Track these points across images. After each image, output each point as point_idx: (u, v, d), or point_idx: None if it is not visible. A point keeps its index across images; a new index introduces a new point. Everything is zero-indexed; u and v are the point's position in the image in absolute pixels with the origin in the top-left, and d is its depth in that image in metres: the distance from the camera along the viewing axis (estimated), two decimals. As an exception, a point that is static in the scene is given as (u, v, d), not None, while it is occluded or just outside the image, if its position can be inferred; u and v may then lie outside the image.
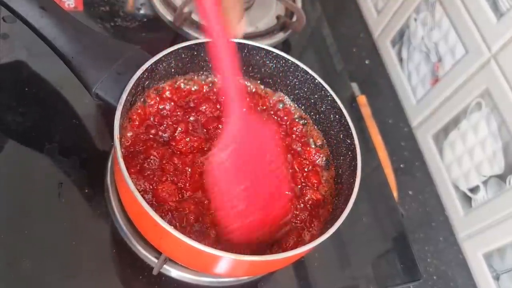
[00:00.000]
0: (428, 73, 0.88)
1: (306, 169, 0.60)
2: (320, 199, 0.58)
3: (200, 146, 0.57)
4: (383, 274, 0.68)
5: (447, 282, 0.79)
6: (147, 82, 0.57)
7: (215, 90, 0.64)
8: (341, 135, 0.60)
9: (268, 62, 0.63)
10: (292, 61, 0.61)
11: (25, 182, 0.60)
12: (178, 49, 0.57)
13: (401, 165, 0.89)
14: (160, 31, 0.79)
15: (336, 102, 0.60)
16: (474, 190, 0.79)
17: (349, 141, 0.58)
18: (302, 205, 0.57)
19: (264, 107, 0.64)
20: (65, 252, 0.57)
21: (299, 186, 0.59)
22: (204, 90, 0.63)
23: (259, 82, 0.66)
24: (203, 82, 0.64)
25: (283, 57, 0.62)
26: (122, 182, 0.49)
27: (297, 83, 0.63)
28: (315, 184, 0.59)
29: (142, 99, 0.58)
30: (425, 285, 0.77)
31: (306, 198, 0.58)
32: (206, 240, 0.51)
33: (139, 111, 0.57)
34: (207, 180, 0.51)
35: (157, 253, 0.59)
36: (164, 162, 0.54)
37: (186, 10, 0.77)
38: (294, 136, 0.63)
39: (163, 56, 0.56)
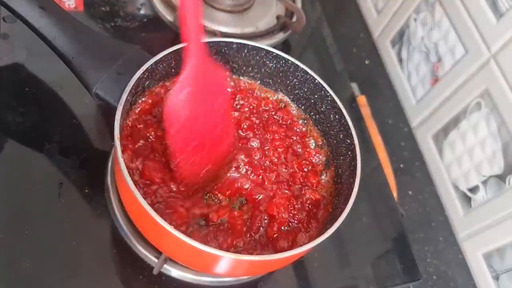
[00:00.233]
0: (427, 73, 0.88)
1: (305, 169, 0.60)
2: (319, 200, 0.58)
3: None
4: (382, 274, 0.68)
5: (447, 282, 0.79)
6: (147, 82, 0.57)
7: None
8: (341, 135, 0.60)
9: (268, 62, 0.63)
10: (292, 61, 0.62)
11: (25, 182, 0.60)
12: (178, 49, 0.57)
13: (401, 165, 0.89)
14: (160, 31, 0.79)
15: (336, 102, 0.60)
16: (474, 190, 0.79)
17: (349, 141, 0.58)
18: (300, 205, 0.57)
19: (267, 108, 0.64)
20: (65, 252, 0.57)
21: (299, 186, 0.59)
22: None
23: (259, 82, 0.66)
24: None
25: (283, 57, 0.62)
26: (122, 182, 0.49)
27: (297, 83, 0.63)
28: (314, 185, 0.59)
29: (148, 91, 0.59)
30: (425, 285, 0.77)
31: (305, 198, 0.58)
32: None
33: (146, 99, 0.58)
34: (164, 114, 0.52)
35: (157, 252, 0.59)
36: (158, 142, 0.55)
37: (186, 10, 0.77)
38: (294, 137, 0.63)
39: (163, 56, 0.56)
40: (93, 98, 0.55)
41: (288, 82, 0.64)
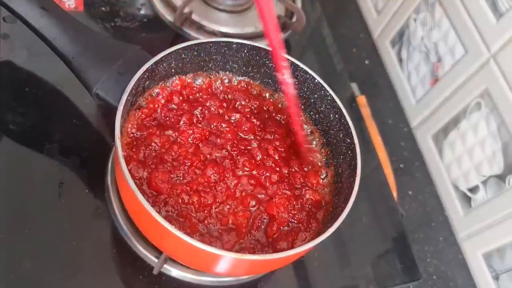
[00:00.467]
0: (427, 73, 0.88)
1: (305, 169, 0.60)
2: (319, 200, 0.58)
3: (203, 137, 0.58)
4: (382, 274, 0.68)
5: (446, 282, 0.79)
6: (147, 82, 0.57)
7: (221, 88, 0.64)
8: (341, 134, 0.60)
9: (267, 62, 0.63)
10: (291, 61, 0.62)
11: (25, 182, 0.60)
12: (178, 49, 0.57)
13: (401, 165, 0.89)
14: (160, 31, 0.79)
15: (335, 102, 0.60)
16: (474, 190, 0.79)
17: (348, 140, 0.58)
18: (299, 205, 0.57)
19: (268, 108, 0.65)
20: (65, 252, 0.57)
21: (299, 186, 0.59)
22: (213, 87, 0.64)
23: (258, 82, 0.66)
24: (212, 77, 0.64)
25: (283, 57, 0.62)
26: (123, 182, 0.49)
27: (296, 82, 0.63)
28: (314, 185, 0.59)
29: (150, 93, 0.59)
30: (424, 285, 0.77)
31: (305, 198, 0.58)
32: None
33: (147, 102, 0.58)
34: None
35: (158, 252, 0.59)
36: (163, 150, 0.55)
37: (186, 10, 0.77)
38: (293, 138, 0.63)
39: (164, 56, 0.56)
40: (94, 99, 0.55)
41: (288, 82, 0.64)
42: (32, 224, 0.57)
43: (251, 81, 0.66)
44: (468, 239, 0.81)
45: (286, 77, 0.54)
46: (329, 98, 0.61)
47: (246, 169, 0.58)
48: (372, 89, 0.95)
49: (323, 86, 0.61)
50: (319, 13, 0.92)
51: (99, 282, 0.57)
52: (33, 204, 0.59)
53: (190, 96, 0.62)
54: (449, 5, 0.81)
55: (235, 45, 0.61)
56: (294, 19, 0.84)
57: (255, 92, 0.66)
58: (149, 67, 0.55)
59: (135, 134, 0.56)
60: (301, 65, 0.61)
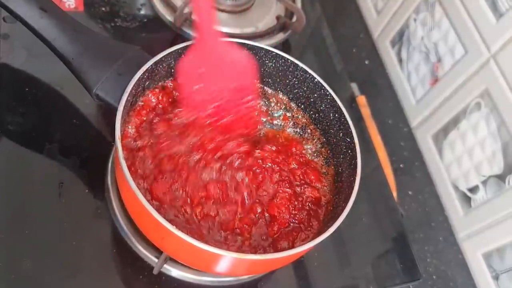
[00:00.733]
0: (427, 73, 0.88)
1: (304, 167, 0.61)
2: (319, 198, 0.58)
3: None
4: (382, 274, 0.68)
5: (446, 282, 0.79)
6: (147, 83, 0.57)
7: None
8: (341, 134, 0.60)
9: (267, 61, 0.63)
10: (291, 61, 0.62)
11: (25, 182, 0.60)
12: (178, 49, 0.57)
13: (401, 165, 0.89)
14: (160, 31, 0.79)
15: (335, 101, 0.60)
16: (474, 190, 0.79)
17: (348, 140, 0.58)
18: (300, 204, 0.57)
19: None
20: (65, 252, 0.57)
21: (298, 183, 0.59)
22: None
23: (258, 81, 0.66)
24: None
25: (282, 57, 0.62)
26: (123, 182, 0.49)
27: (296, 82, 0.63)
28: (313, 181, 0.59)
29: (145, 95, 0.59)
30: (424, 285, 0.77)
31: (305, 196, 0.58)
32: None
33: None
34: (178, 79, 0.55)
35: (158, 252, 0.59)
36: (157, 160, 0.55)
37: (186, 10, 0.77)
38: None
39: (163, 56, 0.56)
40: (93, 99, 0.55)
41: (287, 81, 0.64)
42: (32, 224, 0.57)
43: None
44: (468, 239, 0.81)
45: None
46: (329, 97, 0.61)
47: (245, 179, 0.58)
48: (372, 89, 0.95)
49: (323, 86, 0.61)
50: (319, 13, 0.92)
51: (99, 282, 0.57)
52: (33, 204, 0.59)
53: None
54: (449, 5, 0.81)
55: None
56: (294, 19, 0.84)
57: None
58: (149, 67, 0.55)
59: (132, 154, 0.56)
60: (301, 65, 0.61)
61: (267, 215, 0.55)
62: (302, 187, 0.59)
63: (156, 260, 0.59)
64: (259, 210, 0.56)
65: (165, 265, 0.58)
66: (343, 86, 0.85)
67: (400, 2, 0.93)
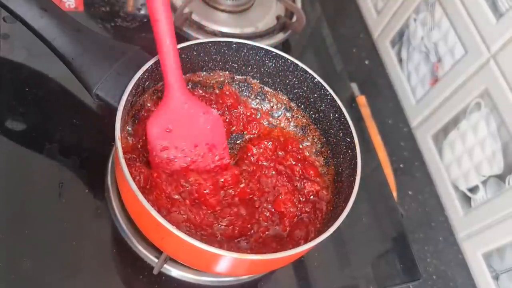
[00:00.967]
0: (427, 73, 0.88)
1: (300, 164, 0.61)
2: (319, 190, 0.59)
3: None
4: (382, 274, 0.68)
5: (446, 282, 0.79)
6: (147, 83, 0.57)
7: (217, 92, 0.64)
8: (341, 134, 0.60)
9: (267, 61, 0.63)
10: (291, 61, 0.62)
11: (25, 182, 0.60)
12: (178, 49, 0.57)
13: (401, 165, 0.89)
14: (160, 31, 0.79)
15: (335, 101, 0.60)
16: (474, 190, 0.79)
17: (348, 140, 0.58)
18: (304, 198, 0.59)
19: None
20: (65, 252, 0.57)
21: (298, 178, 0.60)
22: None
23: (258, 81, 0.66)
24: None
25: (282, 57, 0.62)
26: (123, 182, 0.49)
27: (296, 82, 0.63)
28: (312, 175, 0.60)
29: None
30: (424, 285, 0.77)
31: (306, 191, 0.59)
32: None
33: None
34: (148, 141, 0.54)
35: (158, 252, 0.59)
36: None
37: (186, 10, 0.77)
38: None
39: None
40: (93, 99, 0.55)
41: (287, 81, 0.64)
42: (32, 224, 0.57)
43: (251, 81, 0.66)
44: (468, 239, 0.81)
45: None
46: (329, 97, 0.61)
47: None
48: (372, 89, 0.95)
49: (323, 85, 0.61)
50: (319, 13, 0.92)
51: (99, 282, 0.57)
52: (33, 204, 0.59)
53: None
54: (449, 5, 0.81)
55: (234, 45, 0.61)
56: (294, 19, 0.84)
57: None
58: (149, 67, 0.55)
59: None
60: (301, 65, 0.61)
61: (275, 216, 0.57)
62: (302, 182, 0.60)
63: (156, 260, 0.59)
64: (267, 214, 0.57)
65: (165, 265, 0.58)
66: (343, 86, 0.85)
67: (400, 2, 0.93)
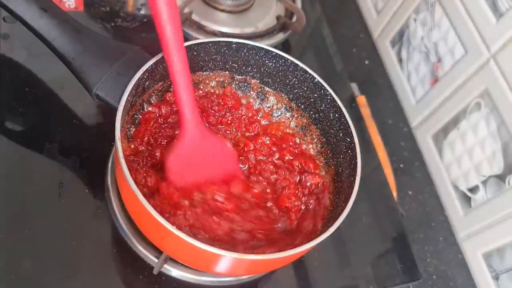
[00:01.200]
0: (427, 73, 0.88)
1: (298, 158, 0.62)
2: (320, 182, 0.60)
3: None
4: (382, 274, 0.68)
5: (446, 282, 0.79)
6: (147, 83, 0.57)
7: (217, 92, 0.64)
8: (341, 134, 0.60)
9: (267, 61, 0.63)
10: (291, 61, 0.62)
11: (25, 182, 0.60)
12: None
13: (401, 165, 0.89)
14: (160, 31, 0.79)
15: (335, 101, 0.60)
16: (474, 190, 0.79)
17: (348, 140, 0.58)
18: (306, 191, 0.59)
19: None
20: (65, 252, 0.57)
21: (297, 172, 0.61)
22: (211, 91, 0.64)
23: (258, 81, 0.66)
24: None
25: (282, 57, 0.62)
26: (123, 182, 0.49)
27: (296, 82, 0.63)
28: (311, 168, 0.61)
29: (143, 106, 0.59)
30: (424, 285, 0.77)
31: (308, 184, 0.60)
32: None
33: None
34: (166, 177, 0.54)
35: (158, 252, 0.59)
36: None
37: (186, 10, 0.77)
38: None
39: (163, 56, 0.56)
40: (93, 99, 0.55)
41: (287, 81, 0.64)
42: (32, 224, 0.57)
43: (250, 81, 0.66)
44: (468, 239, 0.81)
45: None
46: (329, 97, 0.61)
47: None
48: (372, 89, 0.95)
49: (323, 86, 0.61)
50: (319, 13, 0.93)
51: (99, 282, 0.57)
52: (33, 204, 0.59)
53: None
54: (449, 5, 0.81)
55: (234, 45, 0.61)
56: (294, 19, 0.84)
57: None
58: (149, 67, 0.55)
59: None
60: (301, 65, 0.61)
61: (282, 211, 0.58)
62: (303, 176, 0.60)
63: (156, 260, 0.59)
64: (275, 211, 0.58)
65: (165, 265, 0.58)
66: (343, 86, 0.85)
67: (400, 2, 0.93)
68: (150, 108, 0.59)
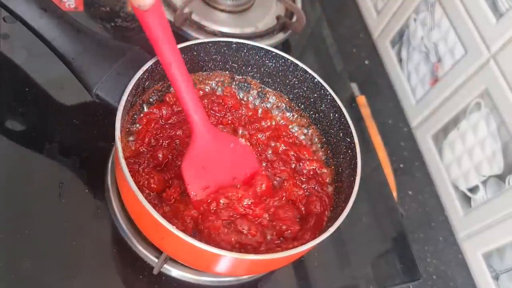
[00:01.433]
0: (427, 73, 0.88)
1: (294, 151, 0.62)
2: (317, 167, 0.61)
3: None
4: (382, 274, 0.68)
5: (446, 282, 0.79)
6: (147, 83, 0.57)
7: (217, 92, 0.64)
8: (341, 134, 0.60)
9: (267, 61, 0.63)
10: (291, 61, 0.62)
11: (25, 182, 0.60)
12: (179, 49, 0.57)
13: (401, 165, 0.89)
14: (160, 31, 0.79)
15: (335, 101, 0.60)
16: (474, 190, 0.79)
17: (348, 140, 0.58)
18: (305, 178, 0.60)
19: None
20: (65, 252, 0.57)
21: (294, 161, 0.61)
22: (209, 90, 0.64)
23: (258, 81, 0.66)
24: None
25: (283, 57, 0.62)
26: (123, 182, 0.49)
27: (296, 82, 0.63)
28: (307, 155, 0.62)
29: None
30: (424, 285, 0.77)
31: (305, 171, 0.60)
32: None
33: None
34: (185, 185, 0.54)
35: (158, 252, 0.59)
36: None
37: (186, 10, 0.77)
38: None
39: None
40: (93, 99, 0.55)
41: (287, 81, 0.64)
42: (32, 224, 0.57)
43: (250, 80, 0.66)
44: (468, 239, 0.81)
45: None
46: (329, 97, 0.61)
47: None
48: (372, 89, 0.95)
49: (323, 85, 0.61)
50: (319, 13, 0.93)
51: (99, 282, 0.57)
52: (33, 204, 0.59)
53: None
54: (449, 5, 0.81)
55: (234, 45, 0.61)
56: (294, 19, 0.84)
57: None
58: (149, 67, 0.55)
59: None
60: (301, 65, 0.61)
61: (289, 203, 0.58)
62: (299, 164, 0.61)
63: (156, 260, 0.59)
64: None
65: (165, 265, 0.58)
66: (343, 86, 0.85)
67: (400, 2, 0.93)
68: (150, 109, 0.59)
